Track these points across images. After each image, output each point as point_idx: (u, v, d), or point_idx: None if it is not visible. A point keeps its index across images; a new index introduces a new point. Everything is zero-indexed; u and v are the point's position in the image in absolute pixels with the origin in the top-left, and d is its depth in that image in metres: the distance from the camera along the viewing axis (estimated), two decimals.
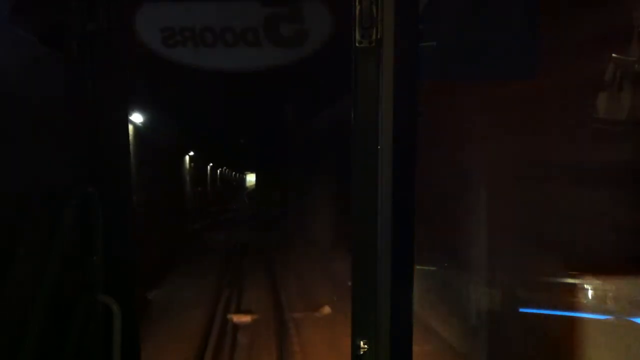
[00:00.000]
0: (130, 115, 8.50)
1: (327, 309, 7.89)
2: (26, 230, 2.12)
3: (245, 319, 7.83)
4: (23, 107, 2.09)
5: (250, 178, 49.86)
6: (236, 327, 7.60)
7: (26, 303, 2.04)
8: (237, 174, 52.49)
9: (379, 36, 2.09)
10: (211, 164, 31.59)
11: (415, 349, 2.21)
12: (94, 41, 2.33)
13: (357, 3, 2.08)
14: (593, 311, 3.47)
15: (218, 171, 39.05)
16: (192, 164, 21.39)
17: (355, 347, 2.17)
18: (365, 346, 2.16)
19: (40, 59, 2.28)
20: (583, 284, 3.51)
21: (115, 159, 2.46)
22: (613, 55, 2.76)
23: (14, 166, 2.04)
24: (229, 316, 7.98)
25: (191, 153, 20.82)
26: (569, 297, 3.54)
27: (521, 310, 4.24)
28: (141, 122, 9.97)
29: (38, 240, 2.16)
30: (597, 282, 3.42)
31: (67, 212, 2.23)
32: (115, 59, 2.40)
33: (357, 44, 2.10)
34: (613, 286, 3.31)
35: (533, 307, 4.13)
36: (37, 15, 2.25)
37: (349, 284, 2.27)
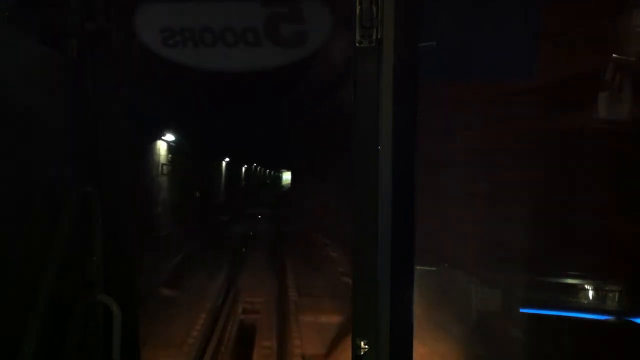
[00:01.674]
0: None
1: None
2: (26, 230, 2.12)
3: None
4: (23, 108, 2.09)
5: (287, 176, 47.14)
6: None
7: (26, 303, 2.04)
8: (272, 172, 49.48)
9: (379, 36, 2.09)
10: (227, 159, 25.75)
11: None
12: (94, 41, 2.33)
13: (357, 3, 2.08)
14: None
15: (243, 169, 34.94)
16: (171, 156, 13.51)
17: (356, 347, 2.17)
18: (366, 346, 2.16)
19: (40, 59, 2.27)
20: None
21: (115, 159, 2.46)
22: (613, 55, 2.76)
23: (14, 166, 2.03)
24: None
25: (168, 138, 12.82)
26: None
27: (522, 310, 4.24)
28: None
29: (38, 240, 2.16)
30: None
31: (67, 212, 2.23)
32: (115, 59, 2.40)
33: (357, 44, 2.10)
34: None
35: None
36: (37, 15, 2.25)
37: None
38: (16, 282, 2.04)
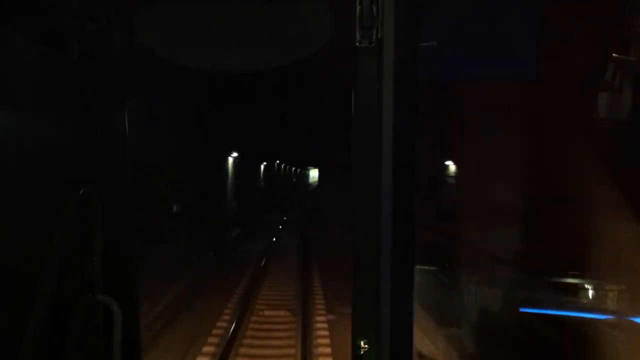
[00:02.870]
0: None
1: None
2: (26, 230, 2.11)
3: None
4: (22, 107, 2.09)
5: (313, 174, 44.67)
6: None
7: (26, 303, 2.03)
8: (299, 170, 46.80)
9: (379, 36, 2.08)
10: (235, 154, 20.75)
11: None
12: (94, 41, 2.33)
13: (357, 3, 2.08)
14: None
15: (262, 167, 31.25)
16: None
17: (356, 347, 2.17)
18: (366, 346, 2.16)
19: (40, 59, 2.27)
20: None
21: (115, 158, 2.46)
22: (613, 55, 2.77)
23: (14, 165, 2.03)
24: None
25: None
26: None
27: (521, 310, 4.24)
28: None
29: (38, 240, 2.16)
30: None
31: (67, 211, 2.23)
32: (115, 59, 2.40)
33: (357, 44, 2.10)
34: None
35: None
36: (37, 15, 2.25)
37: None
38: (16, 282, 2.04)
